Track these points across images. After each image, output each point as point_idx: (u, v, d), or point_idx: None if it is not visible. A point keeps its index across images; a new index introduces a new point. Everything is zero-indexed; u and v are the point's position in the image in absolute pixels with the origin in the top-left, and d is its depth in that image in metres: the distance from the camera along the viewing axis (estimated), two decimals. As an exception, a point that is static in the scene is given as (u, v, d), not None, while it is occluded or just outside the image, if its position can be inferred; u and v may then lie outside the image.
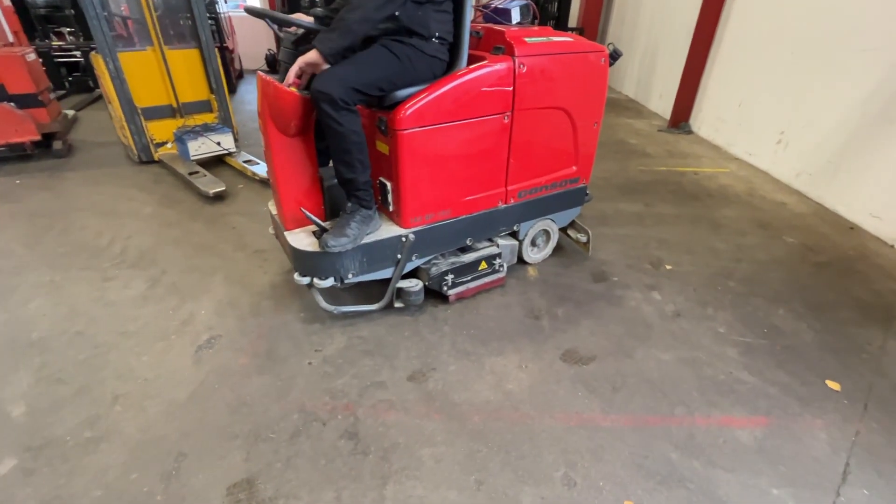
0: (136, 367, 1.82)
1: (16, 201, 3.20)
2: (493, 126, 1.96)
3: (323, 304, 1.97)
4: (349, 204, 1.87)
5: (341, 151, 1.72)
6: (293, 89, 1.65)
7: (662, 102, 5.54)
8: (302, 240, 1.88)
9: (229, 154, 3.83)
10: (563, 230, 2.63)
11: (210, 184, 3.25)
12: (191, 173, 3.42)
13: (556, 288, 2.35)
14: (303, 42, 1.78)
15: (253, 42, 7.85)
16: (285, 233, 1.94)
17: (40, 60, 4.30)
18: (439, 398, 1.71)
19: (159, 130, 3.82)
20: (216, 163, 3.86)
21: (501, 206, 2.18)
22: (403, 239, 1.95)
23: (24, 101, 3.78)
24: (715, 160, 4.19)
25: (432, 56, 1.78)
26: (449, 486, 1.40)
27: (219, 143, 3.73)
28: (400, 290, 2.04)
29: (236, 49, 7.43)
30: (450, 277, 2.11)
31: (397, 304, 2.09)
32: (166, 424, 1.58)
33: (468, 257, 2.16)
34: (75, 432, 1.55)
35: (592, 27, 6.97)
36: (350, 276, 1.91)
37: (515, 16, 2.18)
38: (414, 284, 2.04)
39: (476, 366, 1.86)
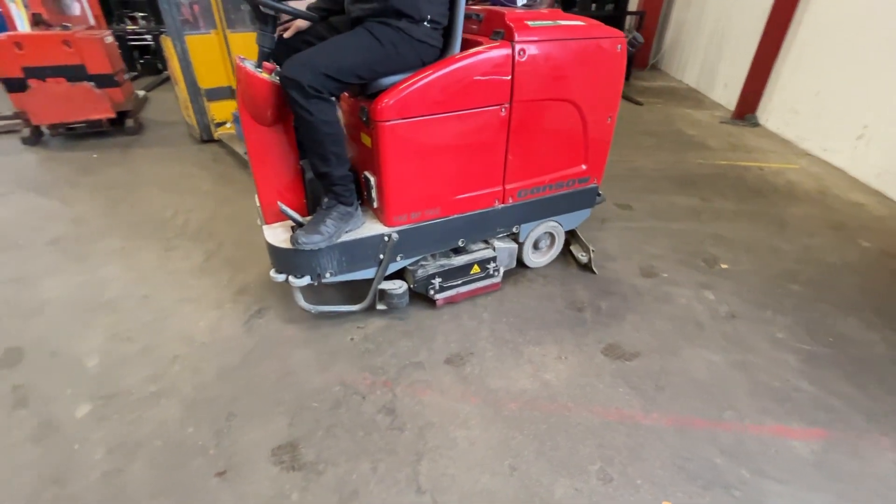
0: (194, 331, 1.95)
1: (94, 174, 3.48)
2: (487, 119, 1.78)
3: (301, 302, 1.87)
4: (325, 199, 1.76)
5: (313, 143, 1.62)
6: (264, 75, 1.57)
7: (727, 92, 5.18)
8: (278, 235, 1.79)
9: (282, 135, 3.96)
10: (566, 245, 2.42)
11: (264, 163, 3.38)
12: (247, 153, 3.57)
13: (601, 281, 2.29)
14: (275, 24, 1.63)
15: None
16: (263, 227, 1.85)
17: (117, 43, 4.61)
18: (475, 383, 1.72)
19: (220, 111, 4.00)
20: (270, 143, 4.01)
21: (498, 206, 2.00)
22: (386, 238, 1.82)
23: (102, 81, 4.06)
24: (783, 155, 3.89)
25: (421, 41, 1.63)
26: (482, 470, 1.41)
27: (273, 125, 3.87)
28: (383, 291, 1.93)
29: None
30: (437, 281, 1.97)
31: (380, 307, 1.97)
32: (219, 386, 1.69)
33: (459, 260, 2.00)
34: (140, 386, 1.68)
35: (654, 10, 6.61)
36: (328, 275, 1.79)
37: None
38: (398, 287, 1.91)
39: (514, 354, 1.85)
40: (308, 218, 1.80)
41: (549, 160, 2.05)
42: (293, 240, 1.69)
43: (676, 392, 1.69)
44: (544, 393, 1.68)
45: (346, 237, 1.77)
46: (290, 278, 1.77)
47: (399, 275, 2.00)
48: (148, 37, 6.64)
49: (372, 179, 1.80)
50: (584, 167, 2.14)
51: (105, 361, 1.79)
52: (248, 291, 2.19)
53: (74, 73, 3.87)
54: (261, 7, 1.52)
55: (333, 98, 1.60)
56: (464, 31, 1.76)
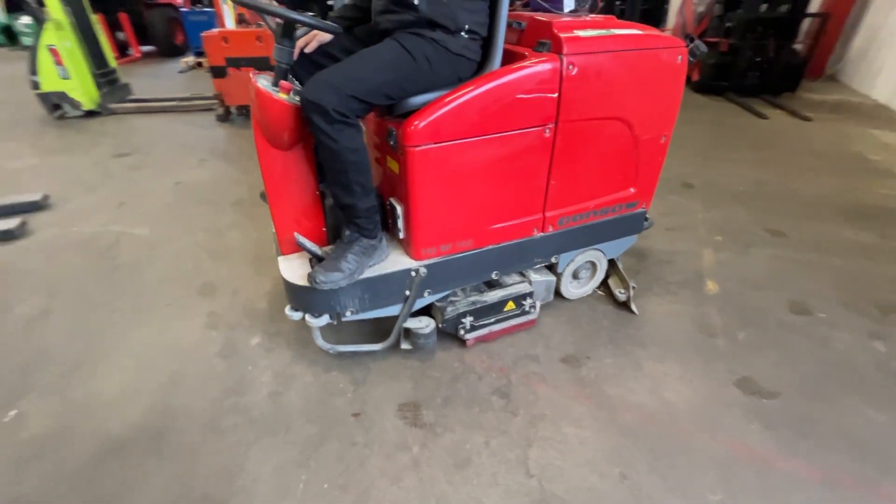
0: (339, 292, 2.24)
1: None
2: (530, 141, 1.61)
3: (319, 341, 1.73)
4: (346, 232, 1.59)
5: (336, 172, 1.46)
6: (281, 95, 1.40)
7: (932, 111, 4.27)
8: (295, 269, 1.63)
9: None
10: (604, 279, 2.19)
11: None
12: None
13: (740, 309, 2.10)
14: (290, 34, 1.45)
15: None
16: (279, 258, 1.71)
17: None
18: (590, 386, 1.72)
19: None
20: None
21: (537, 234, 1.83)
22: (413, 273, 1.66)
23: (279, 72, 4.79)
24: None
25: (458, 55, 1.47)
26: (591, 469, 1.43)
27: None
28: (408, 330, 1.77)
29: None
30: (468, 320, 1.80)
31: (404, 346, 1.82)
32: (356, 342, 1.93)
33: (492, 296, 1.82)
34: (297, 330, 2.00)
35: (842, 13, 5.70)
36: (348, 313, 1.65)
37: (569, 2, 1.78)
38: (425, 325, 1.74)
39: (633, 366, 1.81)
40: (327, 248, 1.69)
41: (596, 184, 1.86)
42: (311, 278, 1.52)
43: (823, 443, 1.51)
44: (664, 410, 1.62)
45: (368, 272, 1.62)
46: (308, 317, 1.64)
47: (426, 310, 1.83)
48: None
49: (399, 208, 1.63)
50: (632, 191, 1.94)
51: (272, 305, 2.16)
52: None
53: (261, 64, 4.61)
54: (279, 20, 1.37)
55: (360, 120, 1.45)
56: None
